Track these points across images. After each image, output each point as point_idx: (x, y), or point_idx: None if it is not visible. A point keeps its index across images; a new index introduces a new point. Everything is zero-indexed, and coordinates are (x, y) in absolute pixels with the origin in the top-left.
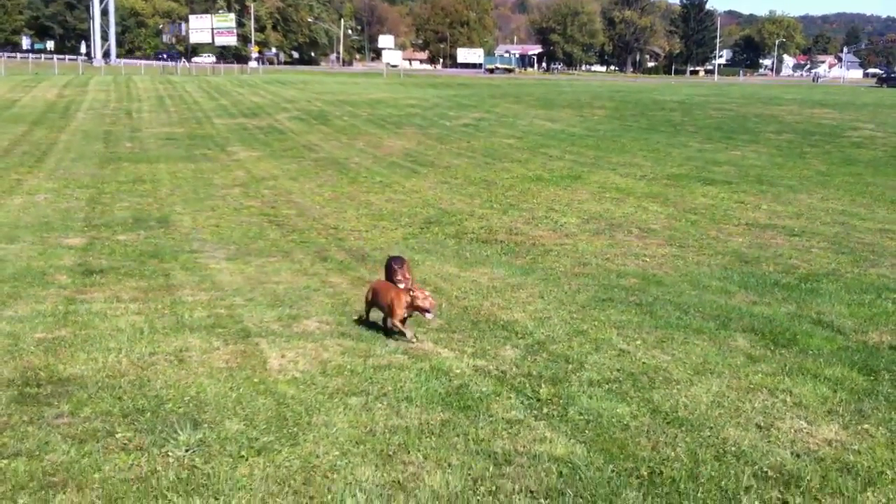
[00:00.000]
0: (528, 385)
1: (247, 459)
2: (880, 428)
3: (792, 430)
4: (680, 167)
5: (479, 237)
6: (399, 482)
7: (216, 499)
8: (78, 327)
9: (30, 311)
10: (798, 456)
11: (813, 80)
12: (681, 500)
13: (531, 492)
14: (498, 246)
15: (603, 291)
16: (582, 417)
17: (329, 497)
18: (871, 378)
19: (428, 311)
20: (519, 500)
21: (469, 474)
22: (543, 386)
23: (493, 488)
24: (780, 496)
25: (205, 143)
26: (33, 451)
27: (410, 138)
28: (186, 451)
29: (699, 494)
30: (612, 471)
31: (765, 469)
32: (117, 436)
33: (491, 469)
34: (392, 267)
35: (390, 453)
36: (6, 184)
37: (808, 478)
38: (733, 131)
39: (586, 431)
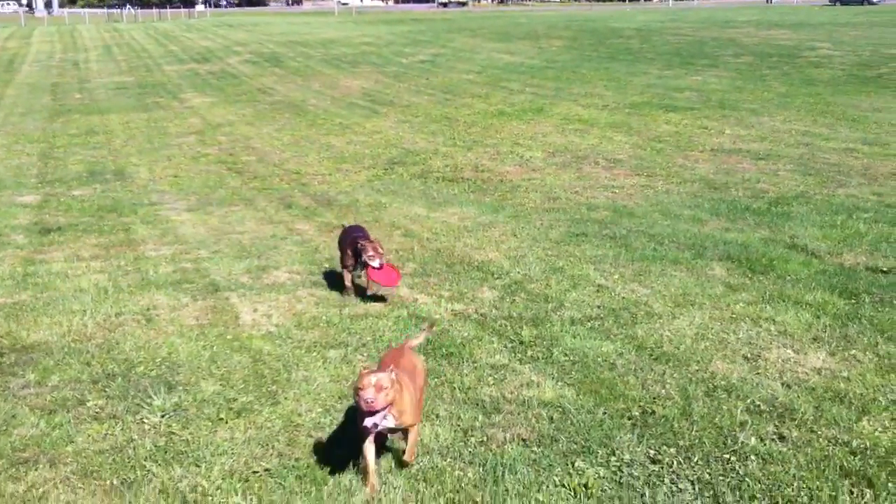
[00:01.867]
0: (509, 327)
1: (226, 422)
2: (867, 353)
3: (780, 361)
4: (641, 95)
5: (445, 176)
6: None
7: (197, 465)
8: (38, 290)
9: None
10: (789, 387)
11: (766, 1)
12: (676, 439)
13: (523, 439)
14: (465, 184)
15: (575, 226)
16: (567, 358)
17: (315, 458)
18: (853, 302)
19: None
20: (512, 448)
21: (458, 425)
22: (525, 328)
23: (484, 438)
24: (776, 430)
25: (156, 91)
26: (0, 425)
27: (367, 77)
28: (162, 416)
29: (694, 433)
30: (604, 413)
31: (757, 403)
32: (88, 404)
33: (480, 418)
34: (357, 242)
35: None
36: None
37: (802, 409)
38: (692, 56)
39: (573, 373)
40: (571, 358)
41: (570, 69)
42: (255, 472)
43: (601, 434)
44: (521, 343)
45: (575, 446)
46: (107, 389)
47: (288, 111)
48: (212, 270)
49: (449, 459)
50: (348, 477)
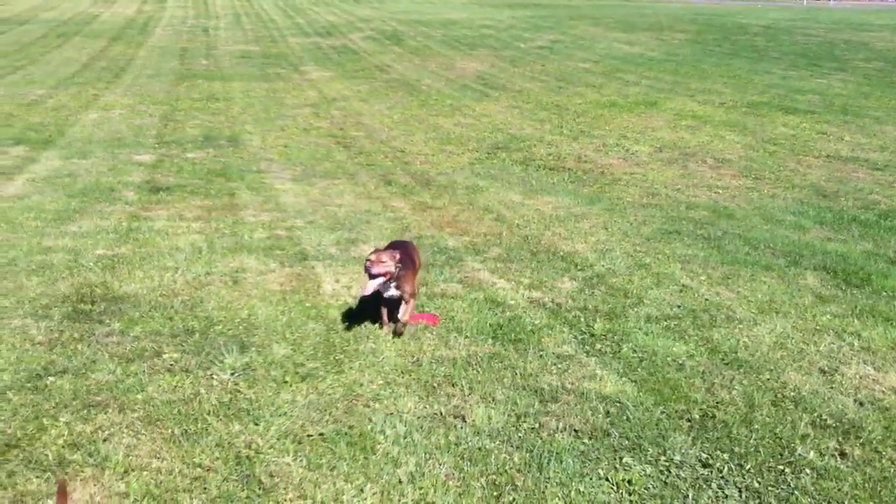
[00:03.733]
0: (582, 319)
1: (290, 385)
2: None
3: (857, 377)
4: (761, 95)
5: (547, 164)
6: (441, 414)
7: (256, 424)
8: (138, 245)
9: (94, 226)
10: (861, 404)
11: None
12: (732, 445)
13: (575, 430)
14: (565, 174)
15: (670, 223)
16: (636, 355)
17: (369, 427)
18: None
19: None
20: (562, 438)
21: (513, 410)
22: (599, 321)
23: (537, 425)
24: (837, 446)
25: (278, 61)
26: (80, 368)
27: (483, 60)
28: (231, 374)
29: (751, 441)
30: (662, 412)
31: (824, 417)
32: (164, 356)
33: (536, 405)
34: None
35: (435, 385)
36: (83, 99)
37: (870, 428)
38: (819, 58)
39: (639, 370)
40: (640, 355)
41: (691, 63)
42: (309, 436)
43: (655, 433)
44: (592, 335)
45: (626, 442)
46: (184, 344)
47: (402, 89)
48: (303, 239)
49: (497, 442)
50: (397, 449)
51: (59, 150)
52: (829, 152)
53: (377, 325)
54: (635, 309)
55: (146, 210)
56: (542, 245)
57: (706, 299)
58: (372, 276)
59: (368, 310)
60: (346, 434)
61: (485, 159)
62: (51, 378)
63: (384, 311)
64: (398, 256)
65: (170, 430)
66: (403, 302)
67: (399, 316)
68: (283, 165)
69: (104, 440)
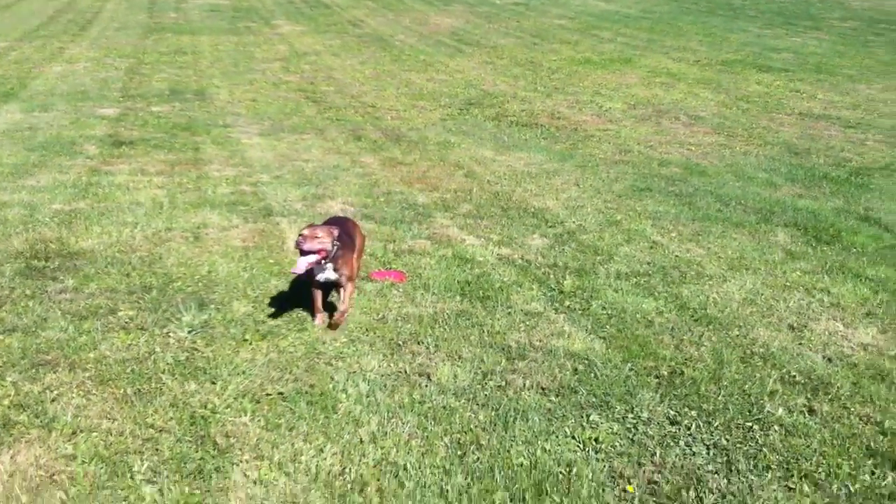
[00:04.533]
0: (552, 276)
1: (250, 343)
2: None
3: (826, 333)
4: (736, 53)
5: (520, 120)
6: (405, 373)
7: (213, 383)
8: (97, 199)
9: (52, 181)
10: (830, 360)
11: None
12: (700, 402)
13: (542, 388)
14: (538, 130)
15: (642, 180)
16: (605, 312)
17: (330, 386)
18: None
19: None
20: (529, 396)
21: (479, 368)
22: (568, 278)
23: (503, 383)
24: (806, 403)
25: (249, 15)
26: (30, 326)
27: (458, 16)
28: (189, 332)
29: (720, 398)
30: (630, 369)
31: (793, 373)
32: (119, 314)
33: (503, 363)
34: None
35: (400, 342)
36: (48, 52)
37: (839, 384)
38: (795, 17)
39: (607, 327)
40: (609, 312)
41: (667, 21)
42: (268, 395)
43: (623, 390)
44: (561, 293)
45: (594, 399)
46: (140, 301)
47: (374, 44)
48: (269, 195)
49: (462, 401)
50: (359, 408)
51: (21, 103)
52: (801, 110)
53: (309, 314)
54: (605, 266)
55: (107, 164)
56: (512, 201)
57: (676, 256)
58: (303, 253)
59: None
60: (306, 393)
61: (457, 115)
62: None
63: (317, 296)
64: (336, 233)
65: (122, 390)
66: (341, 287)
67: (339, 304)
68: (250, 120)
69: (52, 400)
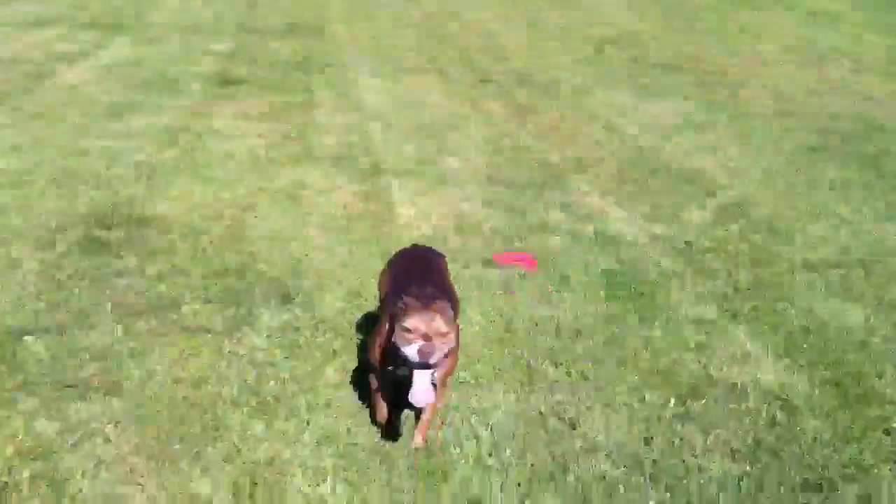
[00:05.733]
0: (721, 266)
1: (339, 357)
2: None
3: None
4: None
5: (662, 63)
6: (541, 416)
7: (286, 420)
8: (186, 149)
9: (144, 125)
10: None
11: None
12: None
13: (732, 451)
14: (683, 75)
15: (812, 137)
16: (798, 324)
17: (440, 434)
18: None
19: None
20: (714, 464)
21: (641, 411)
22: (742, 269)
23: (676, 440)
24: None
25: None
26: (69, 325)
27: None
28: (266, 338)
29: None
30: (852, 424)
31: None
32: (182, 309)
33: (672, 404)
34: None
35: (532, 365)
36: None
37: None
38: None
39: (806, 348)
40: (804, 323)
41: None
42: (355, 445)
43: (847, 457)
44: (736, 290)
45: (809, 475)
46: (211, 290)
47: None
48: (380, 148)
49: (622, 469)
50: (478, 476)
51: (132, 35)
52: None
53: (379, 430)
54: (787, 252)
55: (208, 106)
56: (661, 161)
57: (874, 239)
58: (425, 367)
59: (452, 247)
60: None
61: (592, 57)
62: (27, 338)
63: (385, 405)
64: (449, 309)
65: (162, 435)
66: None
67: (425, 406)
68: (368, 59)
69: (72, 446)
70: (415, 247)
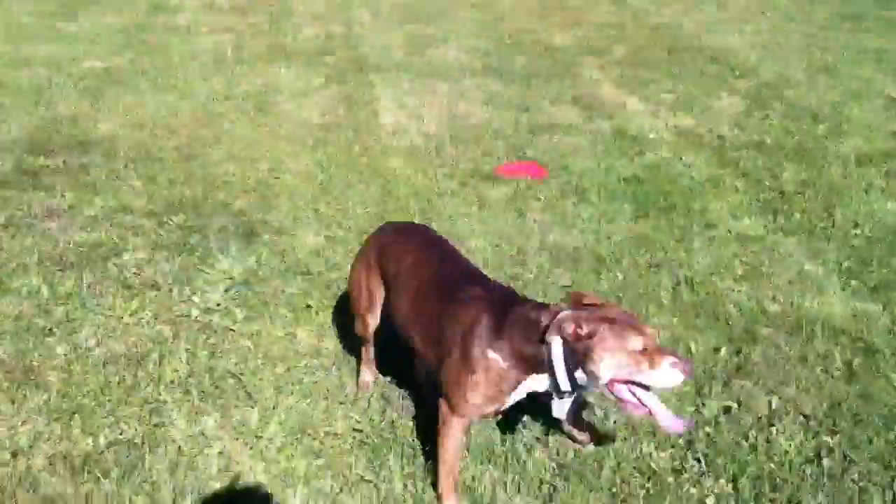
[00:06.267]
0: (760, 164)
1: (317, 314)
2: None
3: None
4: None
5: None
6: None
7: (251, 407)
8: (144, 51)
9: (99, 23)
10: None
11: None
12: None
13: (804, 416)
14: None
15: (845, 4)
16: (861, 236)
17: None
18: None
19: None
20: (785, 427)
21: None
22: (787, 165)
23: (734, 400)
24: None
25: None
26: None
27: None
28: (225, 293)
29: None
30: None
31: None
32: (125, 257)
33: (724, 351)
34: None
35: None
36: None
37: None
38: None
39: (873, 267)
40: (868, 234)
41: None
42: (336, 436)
43: None
44: (782, 194)
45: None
46: (162, 230)
47: None
48: (363, 38)
49: (670, 451)
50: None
51: None
52: None
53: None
54: (834, 142)
55: None
56: (681, 39)
57: None
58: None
59: (446, 160)
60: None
61: None
62: None
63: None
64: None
65: (85, 439)
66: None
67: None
68: None
69: None
70: (396, 231)
